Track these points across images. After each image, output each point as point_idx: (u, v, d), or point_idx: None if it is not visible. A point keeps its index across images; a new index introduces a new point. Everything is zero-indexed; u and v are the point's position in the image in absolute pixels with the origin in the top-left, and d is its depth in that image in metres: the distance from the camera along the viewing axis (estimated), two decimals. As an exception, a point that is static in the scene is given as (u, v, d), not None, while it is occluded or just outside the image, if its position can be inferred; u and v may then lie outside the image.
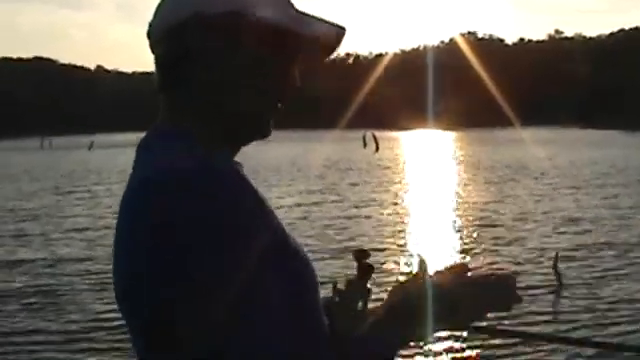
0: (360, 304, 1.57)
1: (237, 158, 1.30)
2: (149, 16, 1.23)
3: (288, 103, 1.29)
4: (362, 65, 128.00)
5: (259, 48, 1.21)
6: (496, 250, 12.72)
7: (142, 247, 1.09)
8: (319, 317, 1.24)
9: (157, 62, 1.24)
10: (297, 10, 1.26)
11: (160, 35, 1.22)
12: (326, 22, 1.28)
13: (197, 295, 1.06)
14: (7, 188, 27.54)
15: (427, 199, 20.53)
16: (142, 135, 1.28)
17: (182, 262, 1.05)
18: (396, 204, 19.63)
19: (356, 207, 18.88)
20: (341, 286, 1.60)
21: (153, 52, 1.25)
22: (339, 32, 1.29)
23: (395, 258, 12.05)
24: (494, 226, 15.22)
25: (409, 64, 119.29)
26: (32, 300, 10.11)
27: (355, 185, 24.82)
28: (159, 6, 1.25)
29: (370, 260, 1.59)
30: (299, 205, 19.16)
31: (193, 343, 1.07)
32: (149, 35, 1.25)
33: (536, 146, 41.15)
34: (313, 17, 1.27)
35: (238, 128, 1.26)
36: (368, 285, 1.60)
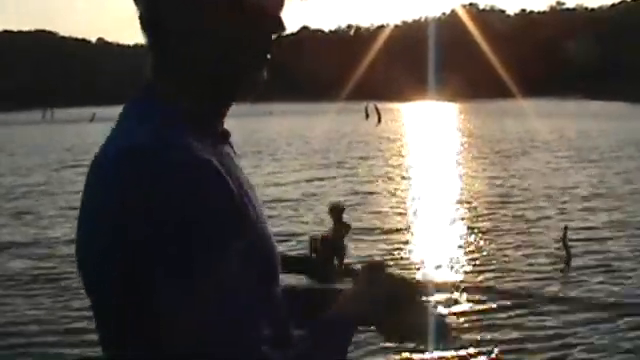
0: (336, 261, 1.71)
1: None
2: None
3: (272, 57, 1.25)
4: (363, 37, 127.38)
5: (232, 11, 1.19)
6: (509, 226, 12.40)
7: (111, 221, 1.08)
8: (278, 308, 1.23)
9: (140, 23, 1.24)
10: None
11: (136, 2, 1.23)
12: None
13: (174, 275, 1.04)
14: (7, 163, 27.21)
15: (437, 173, 20.22)
16: None
17: (153, 240, 1.05)
18: (405, 179, 19.29)
19: (366, 182, 18.48)
20: (317, 243, 1.73)
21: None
22: None
23: (406, 238, 11.50)
24: (508, 202, 14.85)
25: (410, 36, 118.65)
26: (33, 284, 9.65)
27: (363, 159, 24.45)
28: None
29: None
30: (308, 181, 18.82)
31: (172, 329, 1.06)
32: None
33: (542, 118, 40.83)
34: None
35: (216, 91, 1.24)
36: (345, 242, 1.74)
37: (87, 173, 1.17)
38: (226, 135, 1.29)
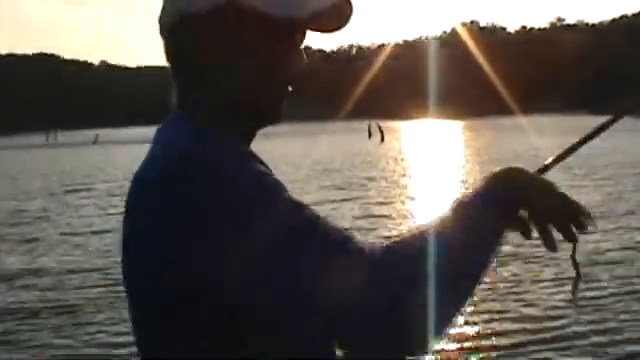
0: None
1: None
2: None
3: (298, 85, 1.29)
4: (365, 56, 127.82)
5: (250, 37, 1.21)
6: (521, 249, 11.80)
7: (181, 233, 1.08)
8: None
9: (165, 51, 1.28)
10: None
11: (161, 34, 1.27)
12: None
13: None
14: (9, 187, 26.80)
15: (446, 194, 19.30)
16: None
17: (212, 245, 1.06)
18: (415, 200, 19.02)
19: (377, 204, 18.09)
20: None
21: None
22: (340, 4, 1.26)
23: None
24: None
25: (411, 54, 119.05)
26: (37, 317, 9.18)
27: (371, 180, 24.09)
28: (163, 2, 1.28)
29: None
30: (317, 204, 18.22)
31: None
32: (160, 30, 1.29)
33: (548, 135, 40.53)
34: None
35: (242, 117, 1.26)
36: None
37: (129, 201, 1.20)
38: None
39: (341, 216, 16.27)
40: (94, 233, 15.24)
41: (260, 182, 1.11)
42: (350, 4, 1.27)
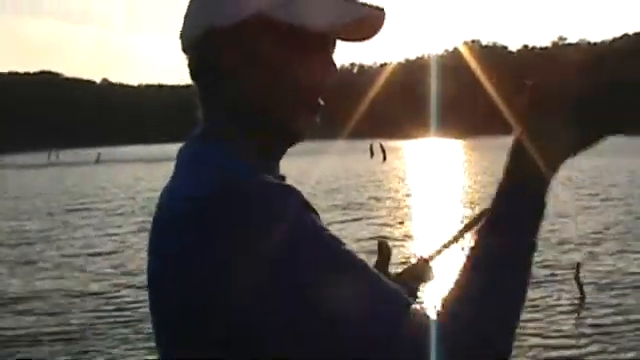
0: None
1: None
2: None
3: (325, 99, 1.23)
4: (366, 74, 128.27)
5: (280, 50, 1.17)
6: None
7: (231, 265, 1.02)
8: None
9: (190, 68, 1.25)
10: None
11: (183, 50, 1.24)
12: (363, 5, 1.19)
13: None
14: (10, 207, 26.59)
15: (452, 214, 19.40)
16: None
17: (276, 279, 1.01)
18: (422, 220, 18.73)
19: (384, 225, 17.80)
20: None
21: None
22: (374, 15, 1.20)
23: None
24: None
25: (413, 73, 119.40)
26: (40, 344, 8.88)
27: (376, 199, 23.87)
28: (184, 18, 1.25)
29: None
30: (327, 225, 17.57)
31: None
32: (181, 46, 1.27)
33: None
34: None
35: (269, 136, 1.21)
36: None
37: (154, 229, 1.15)
38: (284, 180, 1.23)
39: (346, 237, 15.92)
40: (94, 255, 15.02)
41: (314, 225, 1.12)
42: (383, 12, 1.21)
